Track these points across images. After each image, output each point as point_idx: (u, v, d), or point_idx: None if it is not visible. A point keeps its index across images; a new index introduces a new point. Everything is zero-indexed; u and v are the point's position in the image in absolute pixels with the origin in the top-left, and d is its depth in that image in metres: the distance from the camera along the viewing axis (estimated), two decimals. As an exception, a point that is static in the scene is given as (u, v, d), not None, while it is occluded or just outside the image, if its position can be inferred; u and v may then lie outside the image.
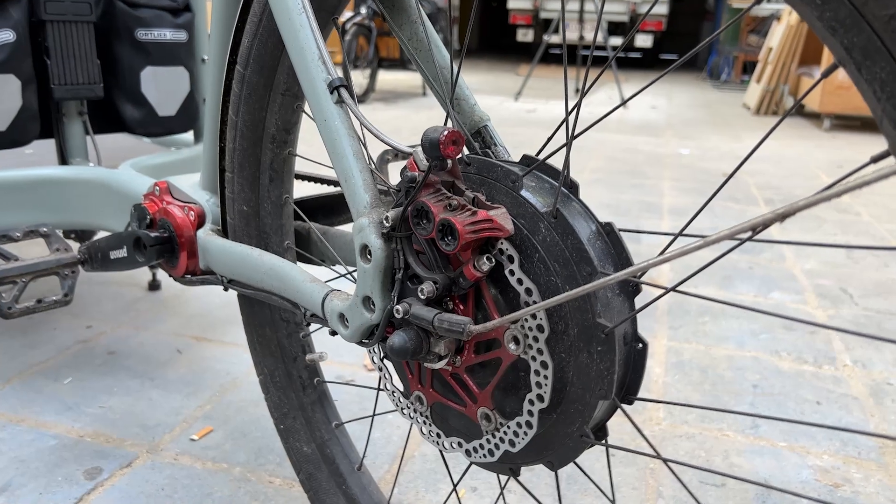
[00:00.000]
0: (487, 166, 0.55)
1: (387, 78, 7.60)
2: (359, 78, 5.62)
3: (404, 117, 4.91)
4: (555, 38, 8.78)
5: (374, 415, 0.74)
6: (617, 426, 1.21)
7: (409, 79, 7.77)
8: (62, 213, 1.15)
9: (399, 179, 0.54)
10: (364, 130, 0.59)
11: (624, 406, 0.58)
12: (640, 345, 0.53)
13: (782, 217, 0.36)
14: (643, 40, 10.01)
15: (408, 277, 0.55)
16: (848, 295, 1.85)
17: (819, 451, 1.15)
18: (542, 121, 5.01)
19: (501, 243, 0.52)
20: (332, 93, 0.58)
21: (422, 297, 0.53)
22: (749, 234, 0.37)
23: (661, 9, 9.82)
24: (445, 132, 0.48)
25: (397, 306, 0.54)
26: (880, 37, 0.36)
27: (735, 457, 1.13)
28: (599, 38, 7.88)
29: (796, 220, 2.57)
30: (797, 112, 5.95)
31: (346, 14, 5.58)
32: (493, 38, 15.21)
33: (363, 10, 5.38)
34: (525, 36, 10.72)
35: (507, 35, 13.32)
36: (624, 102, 0.61)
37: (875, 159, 0.39)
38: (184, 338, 1.48)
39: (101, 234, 1.57)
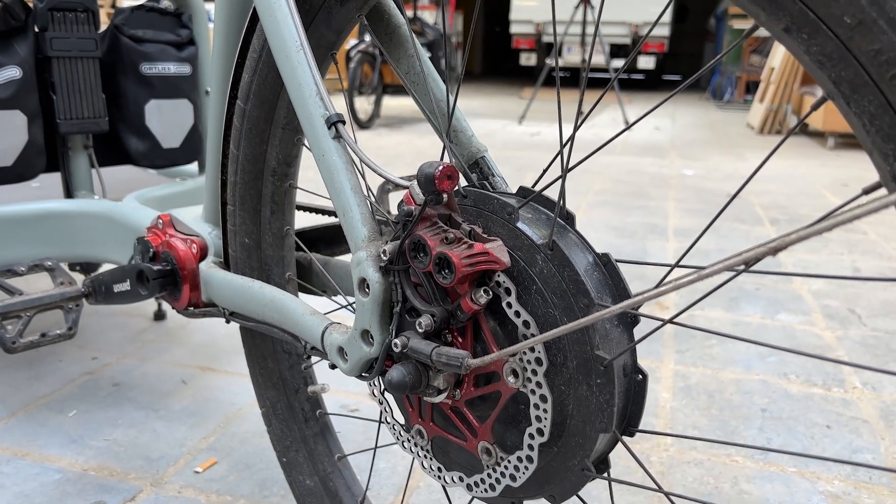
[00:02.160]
0: (484, 198, 0.55)
1: (391, 104, 7.66)
2: (364, 104, 5.67)
3: (408, 143, 4.94)
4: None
5: (376, 447, 0.73)
6: (623, 453, 1.20)
7: (413, 104, 7.83)
8: (67, 246, 1.16)
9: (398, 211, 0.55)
10: (364, 163, 0.60)
11: (629, 436, 0.57)
12: (641, 376, 0.53)
13: (775, 251, 0.36)
14: (646, 62, 10.07)
15: (406, 310, 0.55)
16: (856, 315, 1.84)
17: (830, 476, 1.14)
18: (545, 143, 5.04)
19: (498, 276, 0.52)
20: (329, 128, 0.59)
21: (420, 330, 0.53)
22: (742, 267, 0.37)
23: (663, 31, 9.91)
24: (440, 167, 0.49)
25: (395, 340, 0.54)
26: (867, 71, 0.36)
27: (744, 483, 1.12)
28: (601, 61, 7.93)
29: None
30: (801, 131, 5.95)
31: (351, 41, 5.65)
32: (496, 62, 15.34)
33: (367, 38, 5.44)
34: (528, 60, 10.82)
35: (510, 59, 13.44)
36: (628, 127, 0.62)
37: (867, 191, 0.39)
38: (189, 368, 1.48)
39: (105, 267, 1.58)
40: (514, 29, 10.39)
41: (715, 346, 1.65)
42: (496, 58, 15.34)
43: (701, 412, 1.34)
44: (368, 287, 0.55)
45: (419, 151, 4.55)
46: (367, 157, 0.58)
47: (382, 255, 0.55)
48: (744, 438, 1.25)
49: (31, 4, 1.14)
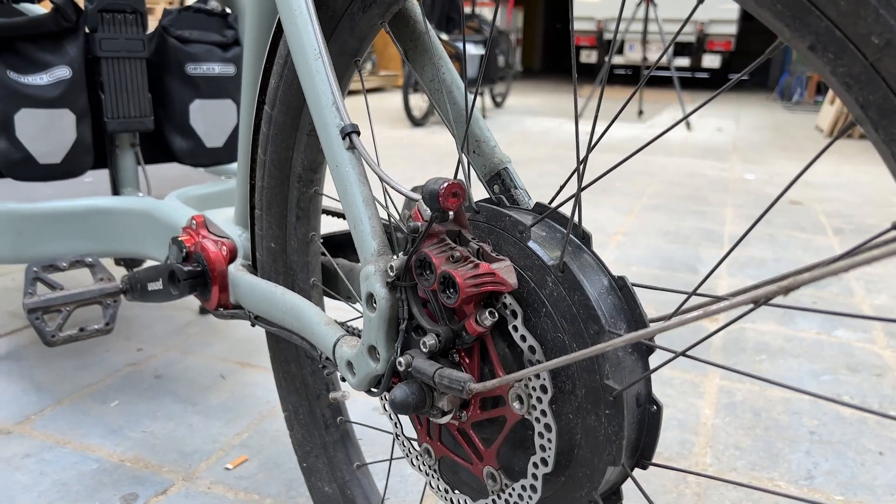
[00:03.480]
0: (496, 215, 0.53)
1: (448, 100, 7.65)
2: (419, 102, 5.68)
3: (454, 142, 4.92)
4: (618, 59, 8.68)
5: (391, 459, 0.72)
6: (645, 475, 1.16)
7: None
8: (111, 241, 1.19)
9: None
10: (377, 176, 0.59)
11: (642, 468, 0.54)
12: (655, 407, 0.50)
13: (786, 290, 0.33)
14: (711, 60, 9.78)
15: (413, 328, 0.54)
16: (921, 334, 1.73)
17: (879, 508, 1.07)
18: (602, 144, 4.94)
19: (505, 297, 0.50)
20: (343, 138, 0.58)
21: (424, 350, 0.51)
22: (751, 305, 0.35)
23: (730, 29, 9.60)
24: (445, 185, 0.47)
25: (400, 358, 0.53)
26: (898, 95, 0.33)
27: (785, 511, 1.06)
28: (663, 59, 7.74)
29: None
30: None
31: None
32: (556, 59, 15.17)
33: (424, 35, 5.45)
34: (589, 57, 10.65)
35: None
36: (661, 134, 0.59)
37: (897, 225, 0.35)
38: (228, 363, 1.51)
39: (148, 263, 1.62)
40: (575, 26, 10.24)
41: (765, 360, 1.58)
42: (557, 55, 15.17)
43: (744, 432, 1.29)
44: (376, 302, 0.54)
45: (472, 149, 4.53)
46: (380, 169, 0.57)
47: (390, 271, 0.53)
48: (789, 462, 1.19)
49: (81, 6, 1.18)
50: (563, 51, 14.62)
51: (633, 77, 12.61)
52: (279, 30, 0.71)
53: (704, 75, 12.45)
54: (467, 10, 6.69)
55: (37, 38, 1.12)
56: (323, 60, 0.60)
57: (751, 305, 0.34)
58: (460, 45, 5.58)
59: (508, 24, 9.27)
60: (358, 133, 0.58)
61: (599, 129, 5.70)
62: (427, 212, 0.50)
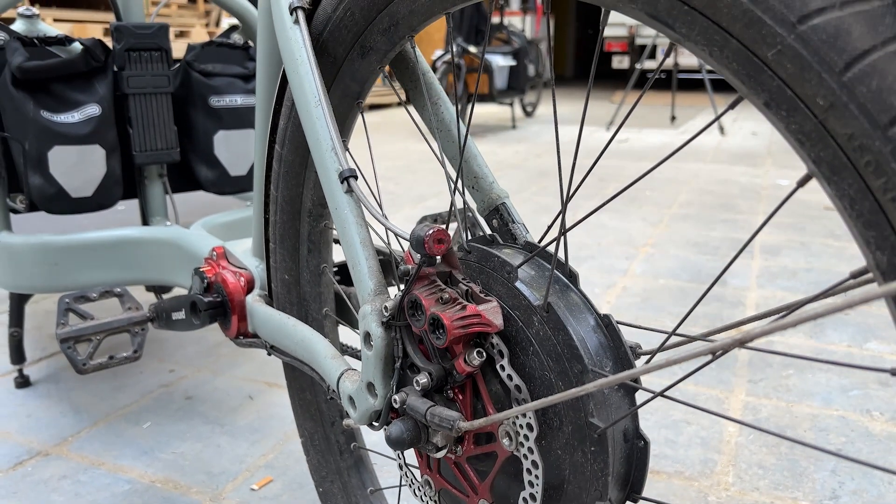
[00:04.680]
0: (486, 255, 0.55)
1: (477, 111, 7.69)
2: (448, 114, 5.71)
3: (491, 153, 4.95)
4: (649, 64, 8.62)
5: (400, 486, 0.74)
6: (654, 492, 1.15)
7: (498, 111, 7.84)
8: (141, 270, 1.24)
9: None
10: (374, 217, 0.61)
11: (632, 502, 0.55)
12: (642, 442, 0.51)
13: (741, 343, 0.34)
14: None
15: (407, 366, 0.56)
16: (957, 346, 1.69)
17: (906, 529, 1.06)
18: (633, 151, 4.91)
19: (492, 338, 0.51)
20: (342, 182, 0.60)
21: (417, 388, 0.53)
22: (710, 357, 0.36)
23: (765, 29, 9.43)
24: (430, 231, 0.49)
25: (395, 396, 0.55)
26: (846, 153, 0.34)
27: (807, 532, 1.05)
28: (694, 62, 7.65)
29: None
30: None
31: (437, 52, 5.71)
32: (587, 65, 15.10)
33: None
34: (620, 63, 10.58)
35: (603, 62, 13.19)
36: (687, 142, 0.60)
37: (855, 275, 0.36)
38: (256, 383, 1.55)
39: (177, 290, 1.67)
40: (607, 32, 10.19)
41: (792, 376, 1.56)
42: (588, 61, 15.10)
43: (769, 449, 1.28)
44: (372, 341, 0.57)
45: (501, 161, 4.55)
46: (378, 211, 0.59)
47: (384, 311, 0.56)
48: (813, 482, 1.18)
49: (110, 46, 1.23)
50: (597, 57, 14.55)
51: (665, 81, 12.48)
52: (285, 75, 0.74)
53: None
54: (496, 20, 6.71)
55: (68, 79, 1.18)
56: (323, 107, 0.63)
57: (709, 357, 0.36)
58: (488, 57, 5.61)
59: (538, 33, 9.27)
60: (356, 177, 0.61)
61: (657, 134, 5.65)
62: (417, 256, 0.52)
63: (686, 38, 0.40)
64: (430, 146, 0.61)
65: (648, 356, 0.47)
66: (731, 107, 0.40)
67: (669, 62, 9.17)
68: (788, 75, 0.35)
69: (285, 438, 1.32)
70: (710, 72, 8.65)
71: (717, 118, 0.40)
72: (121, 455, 1.27)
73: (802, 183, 0.37)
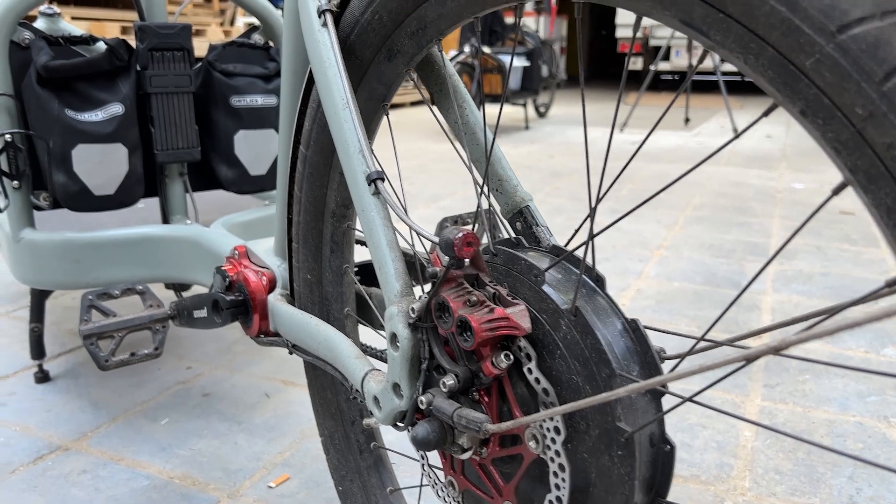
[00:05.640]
0: (513, 258, 0.56)
1: (491, 112, 7.68)
2: (462, 114, 5.71)
3: (504, 153, 4.94)
4: (663, 66, 8.58)
5: (420, 486, 0.75)
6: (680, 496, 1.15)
7: (512, 111, 7.83)
8: (161, 267, 1.25)
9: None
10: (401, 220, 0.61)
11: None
12: (668, 447, 0.51)
13: (775, 350, 0.34)
14: (760, 64, 9.56)
15: (434, 367, 0.56)
16: (976, 353, 1.68)
17: (925, 537, 1.05)
18: (647, 153, 4.90)
19: (520, 341, 0.52)
20: (369, 184, 0.61)
21: (444, 389, 0.54)
22: (743, 362, 0.36)
23: (780, 31, 9.37)
24: (460, 234, 0.49)
25: (421, 397, 0.55)
26: (884, 163, 0.34)
27: (825, 538, 1.05)
28: (710, 64, 7.62)
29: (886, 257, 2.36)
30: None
31: (451, 52, 5.72)
32: (601, 66, 15.06)
33: (466, 49, 5.49)
34: (634, 64, 10.55)
35: (616, 63, 13.16)
36: (713, 153, 0.60)
37: (890, 284, 0.36)
38: (273, 381, 1.55)
39: (195, 288, 1.68)
40: (619, 33, 10.17)
41: (809, 381, 1.55)
42: (602, 62, 15.06)
43: (785, 455, 1.27)
44: (398, 342, 0.57)
45: (513, 161, 4.55)
46: (405, 214, 0.59)
47: (411, 312, 0.56)
48: (830, 487, 1.18)
49: (133, 45, 1.24)
50: (609, 58, 14.50)
51: (680, 83, 12.42)
52: (311, 77, 0.74)
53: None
54: (510, 21, 6.71)
55: (92, 78, 1.20)
56: (350, 110, 0.63)
57: (743, 362, 0.36)
58: (502, 57, 5.61)
59: (551, 34, 9.25)
60: (383, 179, 0.61)
61: (673, 136, 5.64)
62: (445, 258, 0.53)
63: (720, 45, 0.40)
64: (456, 148, 0.61)
65: (676, 361, 0.47)
66: (766, 114, 0.40)
67: (684, 63, 9.12)
68: (826, 84, 0.35)
69: (302, 436, 1.33)
70: (725, 73, 8.58)
71: (757, 120, 0.40)
72: (139, 451, 1.28)
73: (837, 191, 0.37)
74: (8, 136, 1.17)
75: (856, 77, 0.33)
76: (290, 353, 0.87)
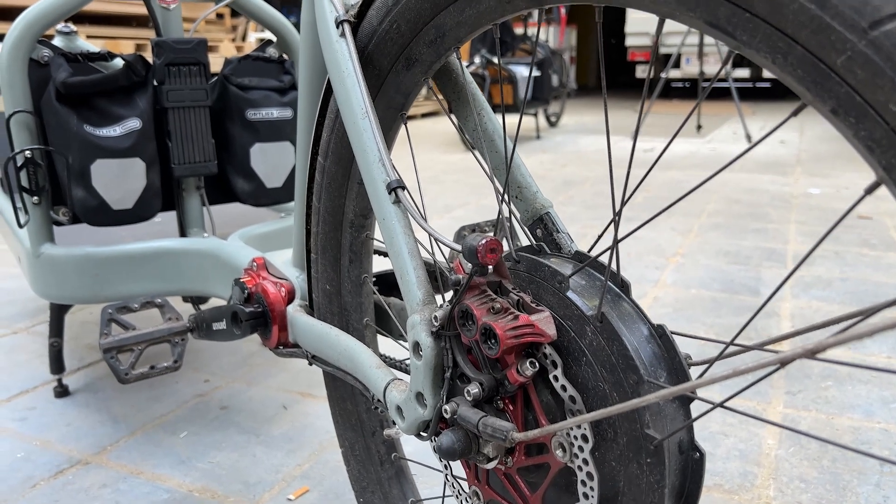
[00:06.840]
0: (536, 265, 0.55)
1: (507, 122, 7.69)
2: (473, 124, 5.72)
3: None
4: (674, 73, 8.56)
5: (443, 496, 0.74)
6: (719, 505, 1.13)
7: (522, 121, 7.83)
8: (179, 281, 1.26)
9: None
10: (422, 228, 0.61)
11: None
12: (698, 454, 0.51)
13: (812, 353, 0.34)
14: (772, 70, 9.51)
15: (458, 376, 0.56)
16: None
17: (957, 546, 1.03)
18: (660, 160, 4.87)
19: (545, 348, 0.51)
20: (389, 193, 0.61)
21: (468, 398, 0.53)
22: (777, 366, 0.35)
23: (791, 37, 9.32)
24: (483, 241, 0.49)
25: (445, 406, 0.55)
26: (919, 160, 0.33)
27: (854, 548, 1.03)
28: (713, 71, 7.58)
29: (943, 269, 2.33)
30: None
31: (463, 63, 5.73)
32: (611, 75, 15.07)
33: (476, 60, 5.51)
34: (644, 72, 10.53)
35: (626, 72, 13.15)
36: (730, 163, 0.59)
37: (928, 284, 0.35)
38: (291, 393, 1.55)
39: (213, 300, 1.69)
40: (629, 41, 10.16)
41: (832, 387, 1.53)
42: (611, 71, 15.06)
43: (810, 463, 1.25)
44: (421, 351, 0.57)
45: (527, 171, 4.53)
46: (425, 223, 0.59)
47: (434, 321, 0.56)
48: (857, 495, 1.16)
49: (150, 60, 1.25)
50: (619, 66, 14.49)
51: (691, 90, 12.40)
52: (329, 87, 0.75)
53: (766, 85, 12.12)
54: (519, 31, 6.73)
55: (110, 93, 1.21)
56: (369, 119, 0.63)
57: (777, 366, 0.35)
58: (512, 67, 5.62)
59: (561, 43, 9.27)
60: (403, 188, 0.61)
61: (683, 142, 5.62)
62: (469, 264, 0.52)
63: (747, 45, 0.40)
64: (476, 156, 0.61)
65: (705, 366, 0.47)
66: (794, 114, 0.39)
67: (695, 70, 9.09)
68: (858, 82, 0.34)
69: (320, 448, 1.32)
70: (737, 80, 8.55)
71: (782, 123, 0.40)
72: (159, 464, 1.28)
73: (871, 190, 0.37)
74: (28, 153, 1.18)
75: (889, 74, 0.33)
76: (310, 363, 0.87)
